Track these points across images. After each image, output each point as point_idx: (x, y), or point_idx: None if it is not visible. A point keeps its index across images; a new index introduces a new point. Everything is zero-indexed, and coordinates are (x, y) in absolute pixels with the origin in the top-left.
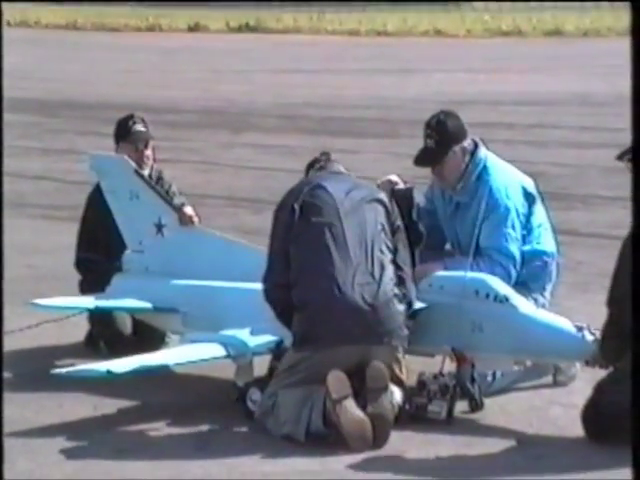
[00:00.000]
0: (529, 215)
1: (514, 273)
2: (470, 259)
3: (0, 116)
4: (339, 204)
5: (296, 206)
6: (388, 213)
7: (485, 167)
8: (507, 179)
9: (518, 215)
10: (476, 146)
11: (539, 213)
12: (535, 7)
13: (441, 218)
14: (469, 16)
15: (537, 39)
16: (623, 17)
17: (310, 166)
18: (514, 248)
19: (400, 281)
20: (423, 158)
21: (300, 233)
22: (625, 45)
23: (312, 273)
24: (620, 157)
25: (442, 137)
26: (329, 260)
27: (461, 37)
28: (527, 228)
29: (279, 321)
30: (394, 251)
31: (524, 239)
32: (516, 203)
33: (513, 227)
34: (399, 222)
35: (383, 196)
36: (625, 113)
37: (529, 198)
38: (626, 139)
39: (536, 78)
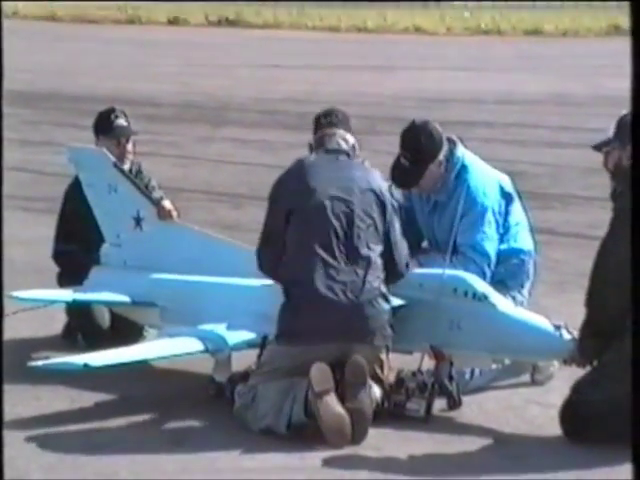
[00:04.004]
0: (506, 214)
1: (488, 272)
2: (448, 257)
3: (0, 115)
4: (328, 202)
5: (283, 213)
6: (381, 203)
7: (463, 166)
8: (485, 178)
9: (494, 214)
10: (454, 145)
11: (516, 211)
12: (514, 5)
13: (418, 216)
14: (449, 14)
15: (517, 38)
16: (601, 18)
17: (317, 121)
18: (489, 247)
19: (389, 261)
20: (399, 179)
21: (287, 234)
22: (603, 46)
23: (296, 270)
24: (597, 148)
25: (417, 158)
26: (314, 258)
27: (441, 35)
28: (504, 227)
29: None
30: (386, 241)
31: (501, 238)
32: (493, 202)
33: (490, 225)
34: (393, 205)
35: (377, 184)
36: (603, 113)
37: (506, 197)
38: (603, 138)
39: (515, 77)
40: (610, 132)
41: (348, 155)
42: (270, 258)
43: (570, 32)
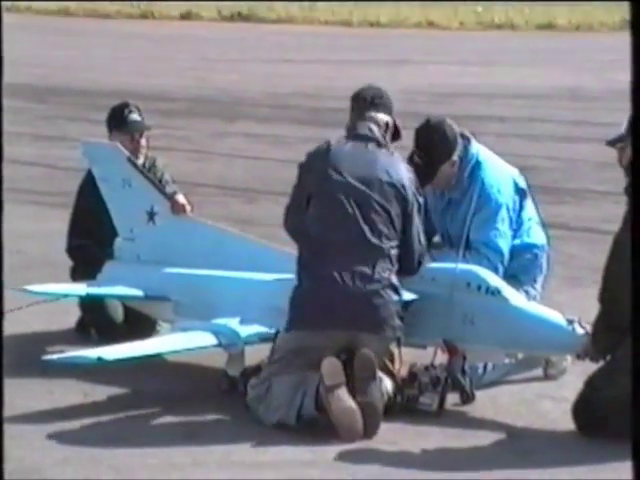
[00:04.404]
0: (520, 210)
1: (501, 269)
2: (460, 253)
3: (0, 117)
4: (345, 193)
5: (305, 192)
6: (402, 197)
7: (477, 162)
8: (499, 174)
9: (509, 211)
10: (468, 141)
11: (529, 207)
12: None
13: (432, 212)
14: (462, 7)
15: (529, 32)
16: (614, 12)
17: (352, 101)
18: (503, 243)
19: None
20: None
21: (306, 216)
22: (616, 40)
23: (308, 256)
24: (611, 143)
25: (430, 157)
26: (325, 245)
27: (454, 29)
28: (517, 222)
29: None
30: (402, 235)
31: (514, 233)
32: (507, 199)
33: (503, 222)
34: (417, 200)
35: (399, 179)
36: (616, 108)
37: (520, 193)
38: (616, 134)
39: (528, 72)
40: (623, 128)
41: (378, 142)
42: (293, 222)
43: (583, 26)
